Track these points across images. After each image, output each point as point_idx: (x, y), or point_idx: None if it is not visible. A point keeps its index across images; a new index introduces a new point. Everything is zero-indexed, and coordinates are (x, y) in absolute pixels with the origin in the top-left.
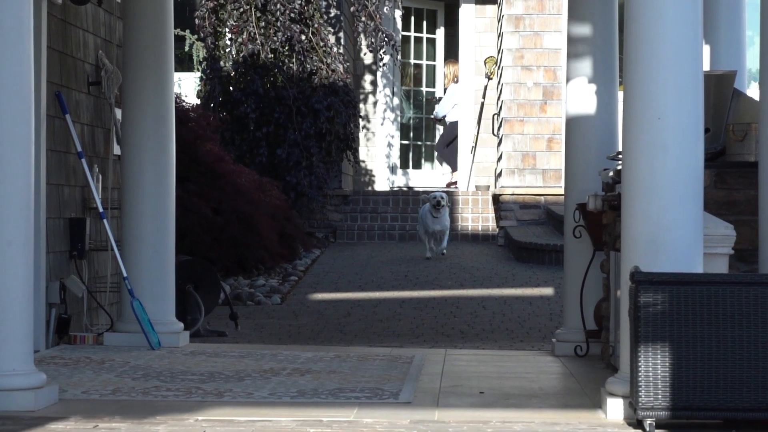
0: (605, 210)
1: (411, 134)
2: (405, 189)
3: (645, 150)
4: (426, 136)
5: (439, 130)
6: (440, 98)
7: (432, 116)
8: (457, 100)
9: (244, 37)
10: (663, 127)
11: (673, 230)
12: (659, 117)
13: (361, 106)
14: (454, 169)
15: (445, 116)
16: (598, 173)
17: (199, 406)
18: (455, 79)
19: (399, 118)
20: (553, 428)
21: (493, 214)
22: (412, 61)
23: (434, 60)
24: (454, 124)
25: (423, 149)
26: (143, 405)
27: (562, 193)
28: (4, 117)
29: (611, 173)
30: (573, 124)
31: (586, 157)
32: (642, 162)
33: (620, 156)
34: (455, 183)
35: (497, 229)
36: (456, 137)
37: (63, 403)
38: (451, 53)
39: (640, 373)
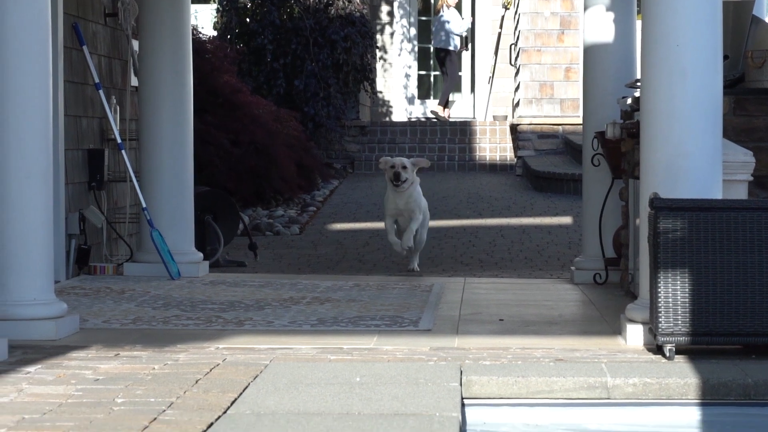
0: (624, 138)
1: (431, 64)
2: (423, 119)
3: (664, 77)
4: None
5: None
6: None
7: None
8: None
9: None
10: (682, 54)
11: (693, 157)
12: (678, 44)
13: (378, 36)
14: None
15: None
16: (617, 101)
17: (220, 334)
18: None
19: (416, 48)
20: (573, 354)
21: (511, 144)
22: None
23: None
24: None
25: (442, 79)
26: (164, 334)
27: (580, 122)
28: (21, 49)
29: (629, 101)
30: (591, 52)
31: (604, 85)
32: (661, 89)
33: (638, 84)
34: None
35: (515, 159)
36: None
37: (84, 332)
38: None
39: (659, 299)
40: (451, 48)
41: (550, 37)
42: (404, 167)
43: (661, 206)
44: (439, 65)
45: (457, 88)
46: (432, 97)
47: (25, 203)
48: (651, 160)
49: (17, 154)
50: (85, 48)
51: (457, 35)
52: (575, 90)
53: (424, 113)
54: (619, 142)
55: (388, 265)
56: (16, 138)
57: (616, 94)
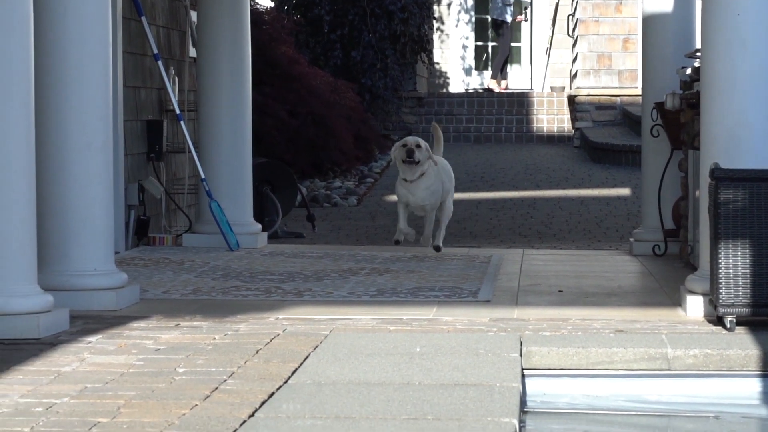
0: (683, 108)
1: (489, 34)
2: (480, 90)
3: (724, 47)
4: None
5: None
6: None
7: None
8: None
9: None
10: (742, 23)
11: (753, 127)
12: (738, 13)
13: (435, 7)
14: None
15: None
16: (676, 72)
17: (279, 305)
18: None
19: (473, 19)
20: (633, 326)
21: (569, 116)
22: None
23: None
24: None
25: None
26: (224, 304)
27: (638, 93)
28: (81, 19)
29: (689, 71)
30: (650, 22)
31: (663, 55)
32: (721, 59)
33: (698, 53)
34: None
35: (573, 131)
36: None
37: (144, 302)
38: None
39: (720, 271)
40: (506, 18)
41: (608, 8)
42: (418, 146)
43: (721, 177)
44: (496, 36)
45: (516, 59)
46: (490, 68)
47: (85, 173)
48: (711, 131)
49: (77, 124)
50: (143, 19)
51: (509, 5)
52: (633, 61)
53: (482, 84)
54: (678, 113)
55: (446, 237)
56: (77, 108)
57: (676, 65)
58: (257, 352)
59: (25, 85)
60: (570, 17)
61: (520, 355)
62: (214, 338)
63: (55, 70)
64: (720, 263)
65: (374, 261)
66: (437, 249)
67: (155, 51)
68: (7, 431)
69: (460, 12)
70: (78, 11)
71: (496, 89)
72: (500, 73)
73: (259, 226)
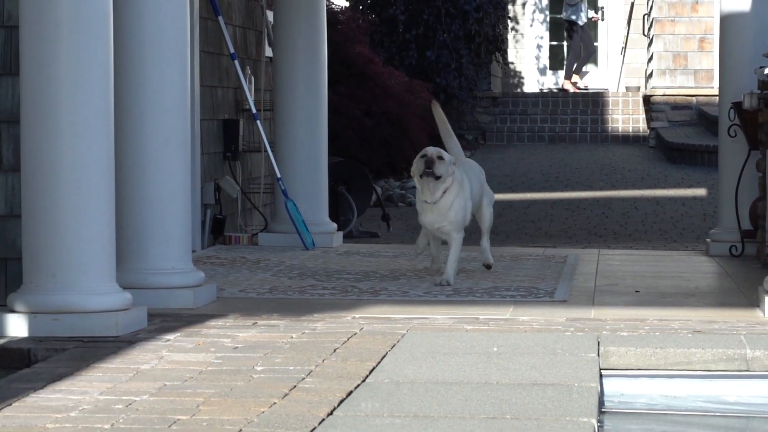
0: (761, 108)
1: (563, 34)
2: (555, 90)
3: None
4: None
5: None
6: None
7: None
8: None
9: None
10: None
11: None
12: None
13: (510, 7)
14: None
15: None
16: (754, 71)
17: (356, 304)
18: None
19: (548, 19)
20: (711, 326)
21: (644, 116)
22: None
23: None
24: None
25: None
26: (300, 303)
27: (714, 93)
28: (159, 18)
29: (767, 71)
30: (727, 21)
31: (740, 55)
32: None
33: None
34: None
35: (648, 131)
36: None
37: (221, 301)
38: None
39: None
40: (578, 19)
41: (684, 7)
42: (440, 158)
43: None
44: (567, 37)
45: (592, 59)
46: (564, 68)
47: (163, 171)
48: None
49: (155, 122)
50: (220, 18)
51: (574, 5)
52: (709, 61)
53: (556, 84)
54: (756, 113)
55: (521, 237)
56: (155, 106)
57: (753, 64)
58: (335, 350)
59: (104, 83)
60: (645, 17)
61: (598, 355)
62: (292, 337)
63: (133, 69)
64: None
65: None
66: (488, 267)
67: (232, 50)
68: (88, 428)
69: (534, 12)
70: (156, 10)
71: (571, 89)
72: (572, 73)
73: (335, 225)
